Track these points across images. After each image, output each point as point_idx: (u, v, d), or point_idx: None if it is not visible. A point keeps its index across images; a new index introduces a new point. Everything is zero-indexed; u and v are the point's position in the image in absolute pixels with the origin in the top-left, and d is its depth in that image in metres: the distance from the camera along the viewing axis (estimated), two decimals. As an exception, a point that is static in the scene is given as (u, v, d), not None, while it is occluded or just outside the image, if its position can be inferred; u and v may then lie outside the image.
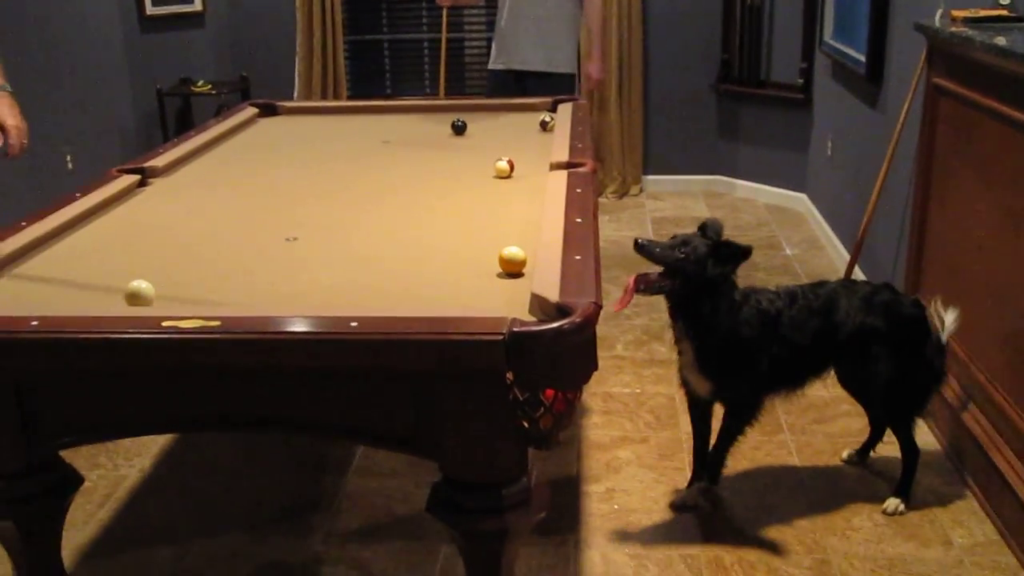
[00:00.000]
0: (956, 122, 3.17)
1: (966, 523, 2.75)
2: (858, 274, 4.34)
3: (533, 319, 1.75)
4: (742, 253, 2.49)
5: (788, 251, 5.15)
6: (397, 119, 3.90)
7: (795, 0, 5.59)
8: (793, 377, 2.75)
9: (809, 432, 3.26)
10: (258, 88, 6.22)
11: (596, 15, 4.74)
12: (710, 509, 2.83)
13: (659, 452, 3.16)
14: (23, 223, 2.41)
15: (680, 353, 2.68)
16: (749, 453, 3.07)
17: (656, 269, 2.50)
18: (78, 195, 2.66)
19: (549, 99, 3.99)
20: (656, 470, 3.06)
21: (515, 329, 1.63)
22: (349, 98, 6.28)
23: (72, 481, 2.11)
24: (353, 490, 2.98)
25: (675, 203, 6.08)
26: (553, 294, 1.82)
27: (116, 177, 2.86)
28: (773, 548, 2.66)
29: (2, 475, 1.92)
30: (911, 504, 2.82)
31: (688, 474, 2.93)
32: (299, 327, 1.70)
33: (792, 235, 5.41)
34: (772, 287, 2.76)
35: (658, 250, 2.48)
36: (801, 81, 5.65)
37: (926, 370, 2.75)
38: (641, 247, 2.47)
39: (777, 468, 3.05)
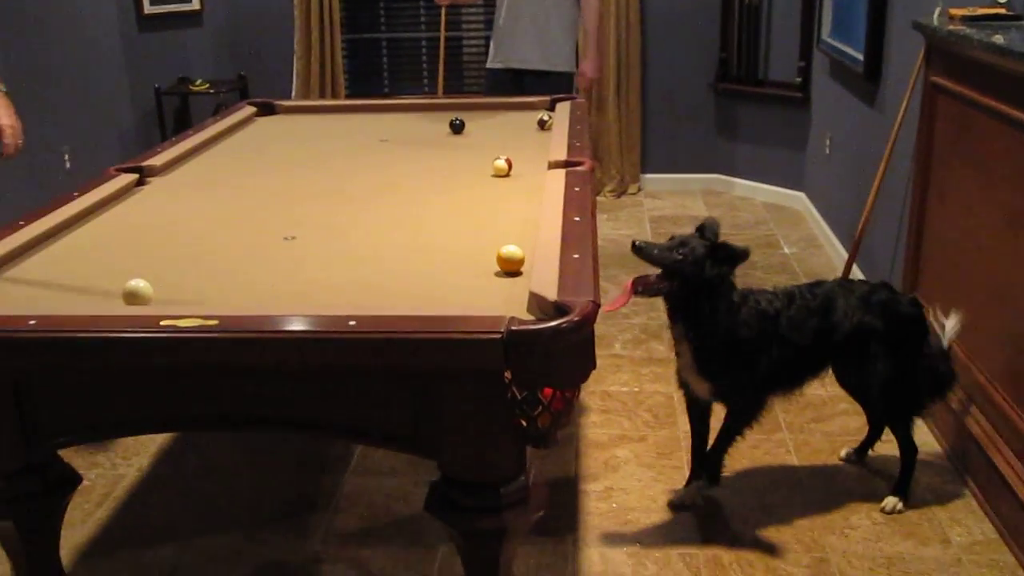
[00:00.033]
0: (954, 120, 3.17)
1: (964, 522, 2.75)
2: (856, 273, 4.34)
3: (531, 318, 1.75)
4: (739, 255, 2.48)
5: (786, 250, 5.15)
6: (395, 118, 3.89)
7: (793, -1, 5.61)
8: (792, 377, 2.75)
9: (807, 431, 3.26)
10: (256, 87, 6.22)
11: (592, 14, 4.74)
12: (702, 504, 2.83)
13: (657, 451, 3.16)
14: (21, 222, 2.41)
15: (678, 354, 2.67)
16: (747, 452, 3.07)
17: (654, 271, 2.50)
18: (76, 194, 2.66)
19: (547, 98, 3.99)
20: (654, 469, 3.06)
21: (513, 328, 1.63)
22: (347, 97, 6.28)
23: (70, 480, 2.11)
24: (352, 489, 2.98)
25: (673, 202, 6.08)
26: (551, 293, 1.82)
27: (114, 176, 2.86)
28: (771, 546, 2.66)
29: (1, 474, 1.92)
30: (910, 503, 2.82)
31: (686, 473, 2.93)
32: (297, 326, 1.70)
33: (790, 234, 5.41)
34: (769, 287, 2.77)
35: (656, 252, 2.47)
36: (799, 80, 5.66)
37: (924, 369, 2.76)
38: (639, 249, 2.46)
39: (775, 467, 3.06)
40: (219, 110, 5.09)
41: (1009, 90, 2.69)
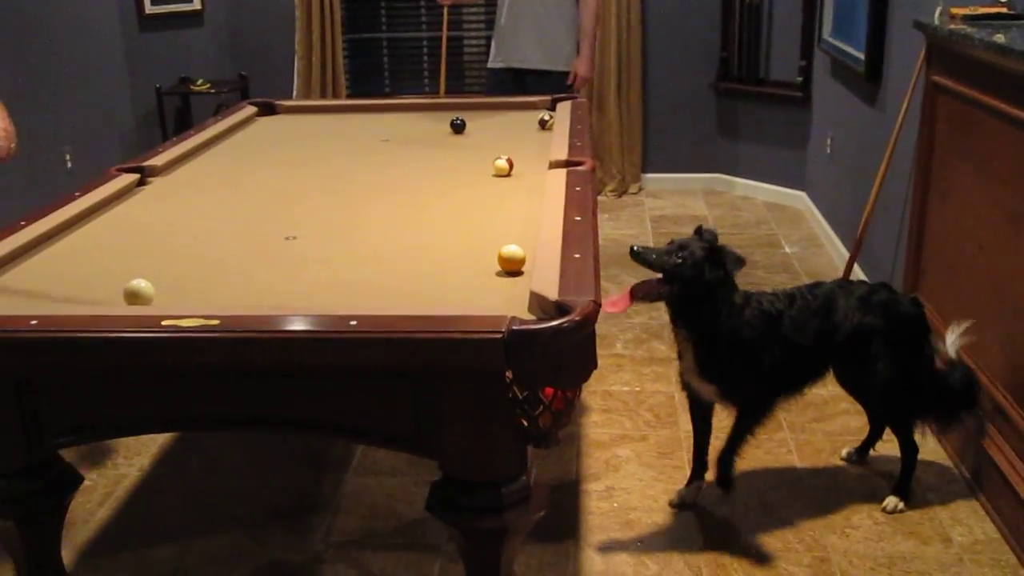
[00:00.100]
0: (955, 120, 3.17)
1: (965, 521, 2.75)
2: (857, 272, 4.34)
3: (532, 317, 1.75)
4: (734, 262, 2.47)
5: (787, 249, 5.15)
6: (396, 118, 3.89)
7: (794, -2, 5.61)
8: (795, 379, 2.74)
9: (808, 430, 3.26)
10: (257, 87, 6.22)
11: (590, 14, 4.75)
12: (703, 504, 2.83)
13: (659, 450, 3.16)
14: (22, 222, 2.41)
15: (681, 357, 2.66)
16: (749, 452, 3.05)
17: (653, 275, 2.49)
18: (77, 194, 2.66)
19: (548, 97, 3.99)
20: (655, 468, 3.06)
21: (514, 327, 1.63)
22: (348, 97, 6.28)
23: (72, 480, 2.11)
24: (353, 489, 2.98)
25: (674, 201, 6.08)
26: (552, 292, 1.82)
27: (115, 176, 2.86)
28: (772, 546, 2.66)
29: (2, 474, 1.92)
30: (911, 502, 2.82)
31: (687, 472, 2.93)
32: (298, 326, 1.70)
33: (791, 233, 5.41)
34: (769, 288, 2.76)
35: (654, 256, 2.46)
36: (800, 79, 5.66)
37: (941, 384, 2.76)
38: (637, 254, 2.44)
39: (777, 466, 3.06)
40: (220, 110, 5.09)
41: (1010, 89, 2.68)
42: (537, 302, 1.83)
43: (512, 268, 2.08)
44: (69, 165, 5.25)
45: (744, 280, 2.64)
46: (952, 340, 2.76)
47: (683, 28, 6.09)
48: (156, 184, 2.93)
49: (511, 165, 2.89)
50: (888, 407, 2.83)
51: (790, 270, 4.81)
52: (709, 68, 6.11)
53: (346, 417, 1.82)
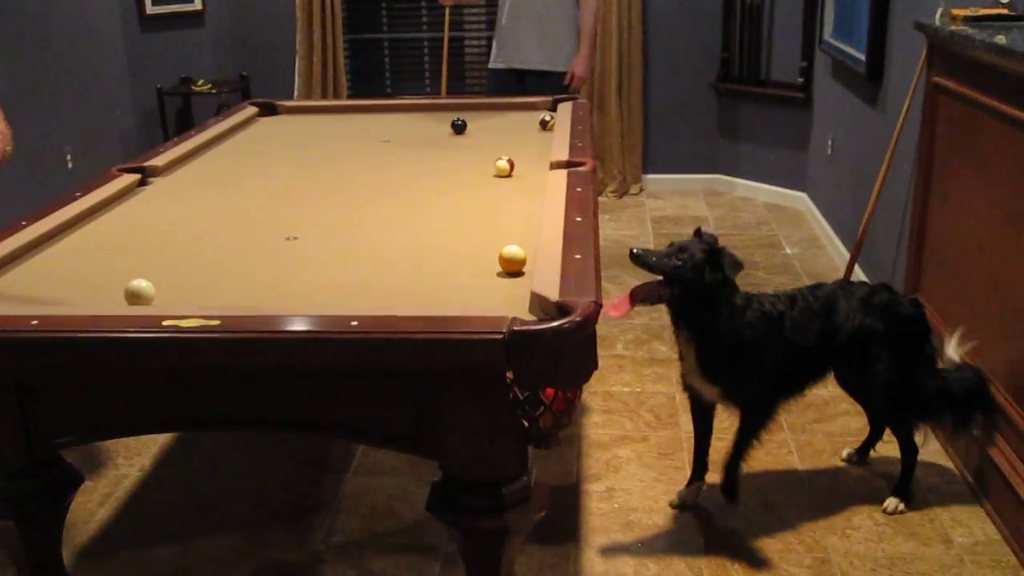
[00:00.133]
0: (956, 121, 3.17)
1: (966, 522, 2.75)
2: (858, 273, 4.34)
3: (533, 318, 1.75)
4: (733, 266, 2.47)
5: (788, 250, 5.15)
6: (397, 118, 3.89)
7: (795, -1, 5.61)
8: (796, 380, 2.74)
9: (809, 431, 3.26)
10: (258, 87, 6.22)
11: (589, 14, 4.75)
12: (704, 505, 2.83)
13: (659, 451, 3.16)
14: (23, 222, 2.41)
15: (683, 358, 2.66)
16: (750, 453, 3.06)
17: (653, 277, 2.49)
18: (78, 194, 2.66)
19: (549, 98, 3.99)
20: (656, 469, 3.06)
21: (515, 328, 1.63)
22: (349, 97, 6.28)
23: (72, 480, 2.11)
24: (353, 489, 2.98)
25: (675, 202, 6.08)
26: (553, 293, 1.82)
27: (116, 176, 2.86)
28: (773, 547, 2.66)
29: (2, 474, 1.92)
30: (912, 504, 2.82)
31: (688, 473, 2.93)
32: (299, 326, 1.70)
33: (792, 234, 5.41)
34: (770, 289, 2.76)
35: (654, 259, 2.46)
36: (801, 80, 5.65)
37: (925, 370, 2.76)
38: (637, 256, 2.43)
39: (777, 467, 3.06)
40: (221, 110, 5.09)
41: (1011, 90, 2.68)
42: (538, 303, 1.83)
43: (513, 269, 2.08)
44: (70, 165, 5.25)
45: (745, 281, 2.64)
46: (952, 349, 2.76)
47: (684, 29, 6.09)
48: (157, 184, 2.93)
49: (512, 166, 2.89)
50: (888, 408, 2.83)
51: (791, 271, 4.81)
52: (710, 69, 6.11)
53: (347, 417, 1.82)
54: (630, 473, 3.04)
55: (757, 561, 2.61)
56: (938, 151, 3.34)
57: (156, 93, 5.98)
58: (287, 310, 1.80)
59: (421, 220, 2.54)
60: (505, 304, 1.86)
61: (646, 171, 6.36)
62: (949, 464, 3.03)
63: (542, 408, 1.71)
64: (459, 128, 3.53)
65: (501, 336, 1.62)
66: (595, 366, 1.75)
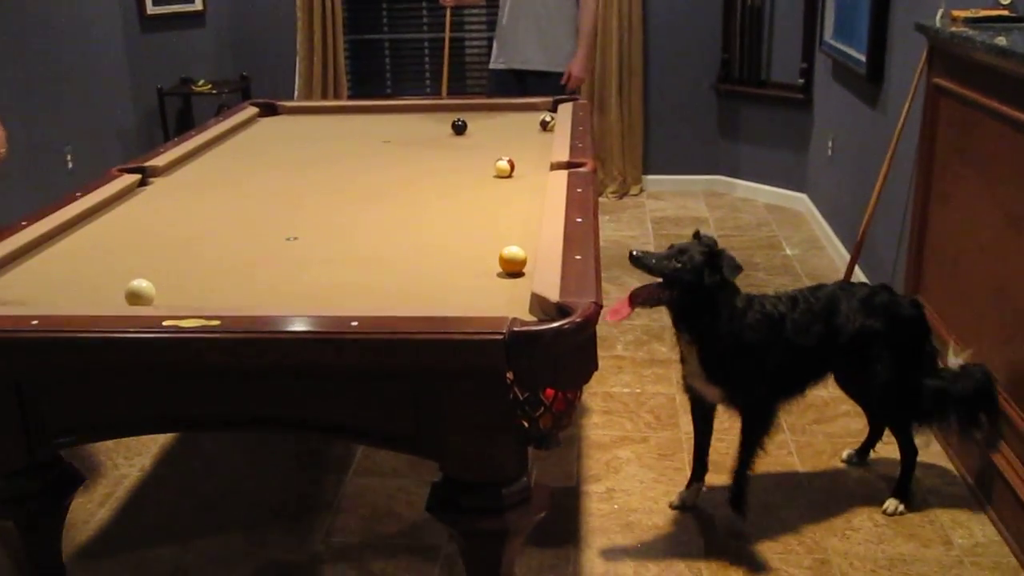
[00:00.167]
0: (957, 122, 3.17)
1: (966, 523, 2.75)
2: (858, 274, 4.34)
3: (533, 319, 1.75)
4: (732, 269, 2.47)
5: (788, 251, 5.15)
6: (397, 119, 3.90)
7: (795, 0, 5.60)
8: (797, 382, 2.74)
9: (809, 432, 3.26)
10: (258, 88, 6.23)
11: (588, 15, 4.75)
12: (703, 506, 2.83)
13: (659, 452, 3.16)
14: (23, 222, 2.41)
15: (684, 360, 2.66)
16: (749, 453, 3.07)
17: (653, 279, 2.48)
18: (78, 194, 2.66)
19: (550, 99, 4.00)
20: (656, 470, 3.06)
21: (515, 329, 1.63)
22: (349, 98, 6.29)
23: (72, 480, 2.12)
24: (354, 490, 2.98)
25: (675, 203, 6.08)
26: (553, 294, 1.82)
27: (116, 176, 2.86)
28: (773, 548, 2.66)
29: (2, 474, 1.93)
30: (912, 505, 2.82)
31: (688, 474, 2.93)
32: (300, 327, 1.70)
33: (792, 235, 5.41)
34: (770, 290, 2.76)
35: (654, 261, 2.45)
36: (801, 81, 5.66)
37: (925, 371, 2.76)
38: (636, 259, 2.43)
39: (777, 468, 3.05)
40: (221, 111, 5.09)
41: (1011, 92, 2.68)
42: (538, 303, 1.83)
43: (513, 269, 2.08)
44: (70, 165, 5.26)
45: (745, 282, 2.64)
46: (951, 360, 2.77)
47: (684, 30, 6.09)
48: (157, 184, 2.93)
49: (512, 166, 2.89)
50: (887, 408, 2.83)
51: (791, 272, 4.81)
52: (710, 70, 6.12)
53: (347, 418, 1.82)
54: (630, 474, 3.04)
55: (757, 562, 2.60)
56: (938, 152, 3.34)
57: (156, 93, 5.98)
58: (287, 311, 1.80)
59: (421, 221, 2.54)
60: (505, 305, 1.86)
61: (646, 172, 6.36)
62: (949, 465, 3.03)
63: (542, 409, 1.71)
64: (459, 129, 3.53)
65: (501, 337, 1.62)
66: (595, 367, 1.75)
